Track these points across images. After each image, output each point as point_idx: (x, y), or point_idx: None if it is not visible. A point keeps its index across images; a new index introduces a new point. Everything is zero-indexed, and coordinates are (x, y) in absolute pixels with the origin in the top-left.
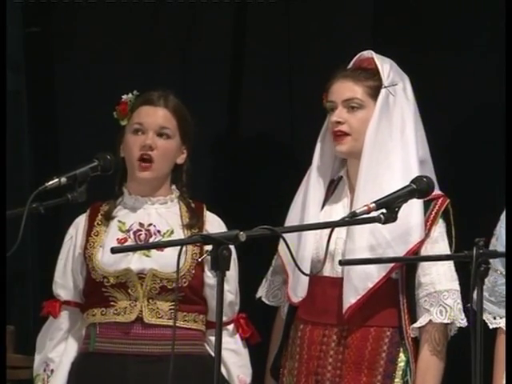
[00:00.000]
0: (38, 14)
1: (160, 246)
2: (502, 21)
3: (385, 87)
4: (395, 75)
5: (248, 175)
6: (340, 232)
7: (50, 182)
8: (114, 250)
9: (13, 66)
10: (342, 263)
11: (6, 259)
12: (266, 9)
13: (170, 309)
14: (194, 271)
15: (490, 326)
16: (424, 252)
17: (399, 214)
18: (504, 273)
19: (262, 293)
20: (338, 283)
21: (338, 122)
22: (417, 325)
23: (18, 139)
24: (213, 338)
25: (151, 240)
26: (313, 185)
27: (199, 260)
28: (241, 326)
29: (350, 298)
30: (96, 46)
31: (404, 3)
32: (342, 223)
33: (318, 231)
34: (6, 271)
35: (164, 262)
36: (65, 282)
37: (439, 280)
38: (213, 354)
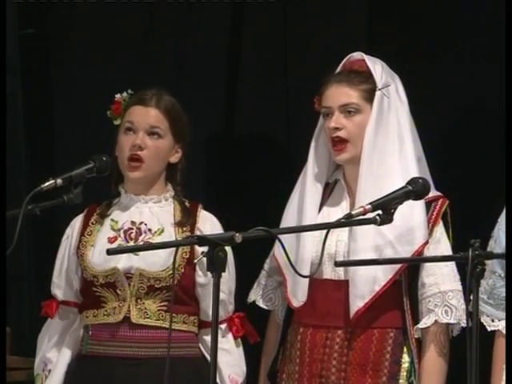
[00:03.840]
0: (33, 14)
1: (155, 247)
2: (499, 20)
3: (379, 89)
4: (387, 76)
5: (243, 175)
6: (341, 235)
7: (46, 184)
8: (109, 252)
9: (9, 67)
10: (337, 264)
11: (6, 260)
12: (262, 9)
13: (159, 309)
14: (183, 270)
15: (489, 329)
16: (427, 253)
17: (402, 216)
18: (503, 275)
19: (255, 297)
20: (340, 286)
21: (336, 128)
22: (421, 325)
23: (14, 140)
24: (206, 338)
25: (140, 238)
26: (309, 187)
27: (195, 261)
28: (235, 325)
29: (358, 302)
30: (92, 47)
31: (400, 3)
32: (337, 224)
33: (317, 233)
34: (5, 271)
35: (151, 260)
36: (61, 282)
37: (443, 280)
38: (206, 355)
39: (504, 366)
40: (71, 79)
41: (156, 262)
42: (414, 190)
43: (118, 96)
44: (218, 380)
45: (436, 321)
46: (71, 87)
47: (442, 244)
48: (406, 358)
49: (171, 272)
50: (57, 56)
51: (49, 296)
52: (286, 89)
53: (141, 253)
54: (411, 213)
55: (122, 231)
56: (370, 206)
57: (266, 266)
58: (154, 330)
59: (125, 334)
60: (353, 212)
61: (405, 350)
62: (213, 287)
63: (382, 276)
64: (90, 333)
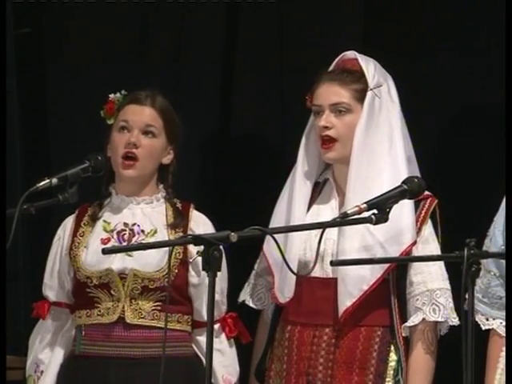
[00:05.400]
0: (28, 14)
1: (150, 247)
2: (491, 21)
3: (371, 89)
4: (380, 76)
5: (237, 175)
6: (329, 233)
7: (42, 183)
8: (104, 251)
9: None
10: (333, 264)
11: (5, 261)
12: (257, 9)
13: (153, 309)
14: (177, 270)
15: (483, 328)
16: (416, 252)
17: (390, 215)
18: (498, 274)
19: (245, 296)
20: (328, 284)
21: (326, 127)
22: (409, 323)
23: (9, 140)
24: (199, 338)
25: (134, 239)
26: (298, 185)
27: (191, 261)
28: (228, 325)
29: (346, 302)
30: (87, 47)
31: (395, 3)
32: (333, 224)
33: (306, 232)
34: (5, 272)
35: (145, 261)
36: (53, 283)
37: (431, 279)
38: (199, 354)
39: (498, 365)
40: (66, 79)
41: (150, 262)
42: (409, 189)
43: (111, 96)
44: (212, 380)
45: (424, 319)
46: (66, 87)
47: (430, 243)
48: (393, 356)
49: (165, 272)
50: (52, 56)
51: (43, 296)
52: (281, 89)
53: (134, 254)
54: (400, 213)
55: (115, 232)
56: (365, 205)
57: (256, 267)
58: (148, 329)
59: (119, 334)
60: (348, 211)
61: (392, 348)
62: (208, 287)
63: (370, 275)
64: (83, 333)
